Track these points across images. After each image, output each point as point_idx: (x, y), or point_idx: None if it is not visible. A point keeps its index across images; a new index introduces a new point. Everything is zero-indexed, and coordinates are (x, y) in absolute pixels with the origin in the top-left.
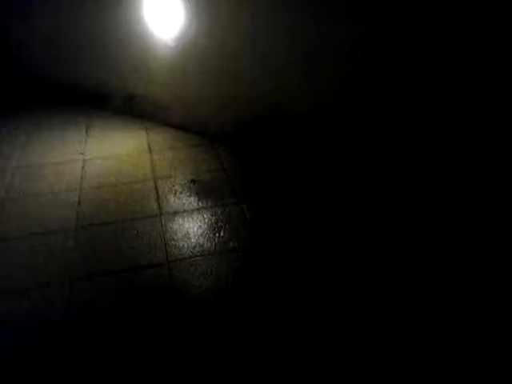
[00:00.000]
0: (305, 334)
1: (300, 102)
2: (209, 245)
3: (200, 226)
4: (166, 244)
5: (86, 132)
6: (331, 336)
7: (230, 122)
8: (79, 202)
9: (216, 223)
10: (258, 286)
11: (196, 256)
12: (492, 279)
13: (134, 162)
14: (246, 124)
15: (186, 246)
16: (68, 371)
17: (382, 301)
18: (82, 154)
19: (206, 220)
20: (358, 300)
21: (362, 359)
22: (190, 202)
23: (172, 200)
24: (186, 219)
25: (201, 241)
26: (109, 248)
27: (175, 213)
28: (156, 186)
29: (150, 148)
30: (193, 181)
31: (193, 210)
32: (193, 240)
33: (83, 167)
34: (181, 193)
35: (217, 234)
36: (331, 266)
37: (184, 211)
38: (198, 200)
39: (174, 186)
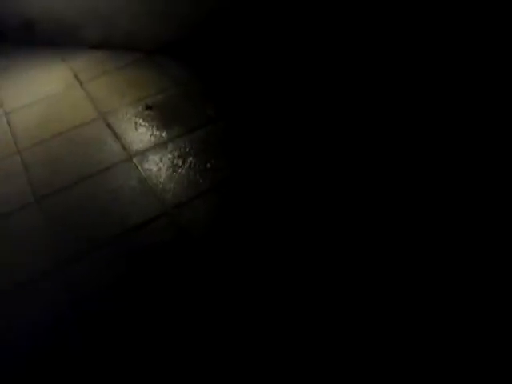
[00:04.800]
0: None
1: None
2: (202, 180)
3: (184, 160)
4: (152, 190)
5: None
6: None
7: (169, 26)
8: (27, 168)
9: (198, 149)
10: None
11: (195, 198)
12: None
13: (67, 102)
14: (191, 26)
15: (177, 188)
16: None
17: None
18: None
19: (186, 149)
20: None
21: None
22: (156, 133)
23: (135, 136)
24: (161, 155)
25: (191, 176)
26: (86, 214)
27: (146, 150)
28: (109, 124)
29: (78, 79)
30: (148, 107)
31: (165, 142)
32: (184, 178)
33: (9, 123)
34: (141, 125)
35: (207, 164)
36: (318, 186)
37: (155, 146)
38: (164, 128)
39: (129, 119)
